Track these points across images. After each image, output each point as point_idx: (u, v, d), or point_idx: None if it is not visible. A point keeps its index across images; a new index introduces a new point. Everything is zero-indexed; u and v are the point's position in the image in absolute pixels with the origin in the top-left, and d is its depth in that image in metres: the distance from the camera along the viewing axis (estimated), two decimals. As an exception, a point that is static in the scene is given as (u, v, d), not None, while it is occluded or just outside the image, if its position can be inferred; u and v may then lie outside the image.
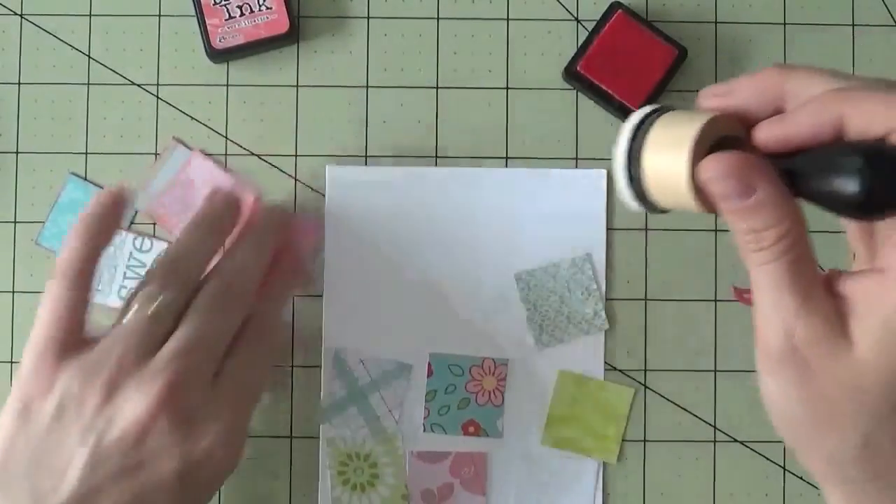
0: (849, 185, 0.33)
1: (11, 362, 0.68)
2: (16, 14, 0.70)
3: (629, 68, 0.67)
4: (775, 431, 0.39)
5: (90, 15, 0.70)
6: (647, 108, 0.40)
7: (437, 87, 0.70)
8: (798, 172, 0.36)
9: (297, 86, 0.70)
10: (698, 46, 0.70)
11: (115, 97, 0.70)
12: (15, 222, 0.69)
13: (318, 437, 0.68)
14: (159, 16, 0.70)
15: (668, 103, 0.39)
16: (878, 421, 0.35)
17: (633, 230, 0.69)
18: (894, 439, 0.35)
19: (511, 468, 0.68)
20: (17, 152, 0.69)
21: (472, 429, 0.68)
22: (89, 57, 0.70)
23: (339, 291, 0.68)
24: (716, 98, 0.39)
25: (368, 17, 0.70)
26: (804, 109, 0.36)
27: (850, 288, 0.36)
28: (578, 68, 0.68)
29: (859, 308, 0.36)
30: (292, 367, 0.68)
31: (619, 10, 0.68)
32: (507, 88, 0.70)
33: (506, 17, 0.70)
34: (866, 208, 0.34)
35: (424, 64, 0.70)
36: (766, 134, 0.37)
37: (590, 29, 0.69)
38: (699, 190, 0.37)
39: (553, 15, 0.70)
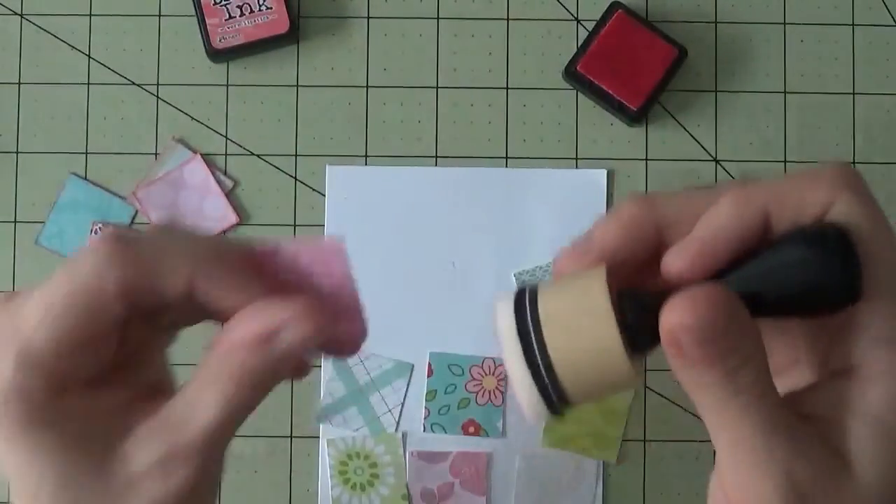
0: (821, 278, 0.28)
1: (11, 362, 0.68)
2: (16, 14, 0.70)
3: (629, 68, 0.67)
4: None
5: (90, 15, 0.70)
6: (511, 292, 0.32)
7: (437, 87, 0.70)
8: (750, 287, 0.29)
9: (297, 86, 0.70)
10: (698, 46, 0.70)
11: (115, 97, 0.70)
12: (15, 222, 0.69)
13: (318, 437, 0.68)
14: (159, 16, 0.70)
15: (527, 284, 0.32)
16: None
17: (633, 230, 0.69)
18: None
19: (511, 468, 0.68)
20: (17, 152, 0.69)
21: (472, 429, 0.68)
22: (89, 57, 0.70)
23: (339, 291, 0.68)
24: (580, 258, 0.33)
25: (368, 17, 0.70)
26: (719, 217, 0.30)
27: (819, 404, 0.31)
28: (578, 68, 0.68)
29: (844, 422, 0.30)
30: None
31: (619, 10, 0.68)
32: (507, 88, 0.70)
33: (506, 17, 0.70)
34: (844, 296, 0.29)
35: (424, 64, 0.70)
36: (684, 259, 0.30)
37: (590, 29, 0.69)
38: (630, 356, 0.30)
39: (553, 15, 0.70)
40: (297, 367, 0.36)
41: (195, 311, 0.34)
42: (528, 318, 0.31)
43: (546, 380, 0.30)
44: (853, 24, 0.70)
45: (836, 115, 0.70)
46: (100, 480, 0.32)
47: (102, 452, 0.32)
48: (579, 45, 0.69)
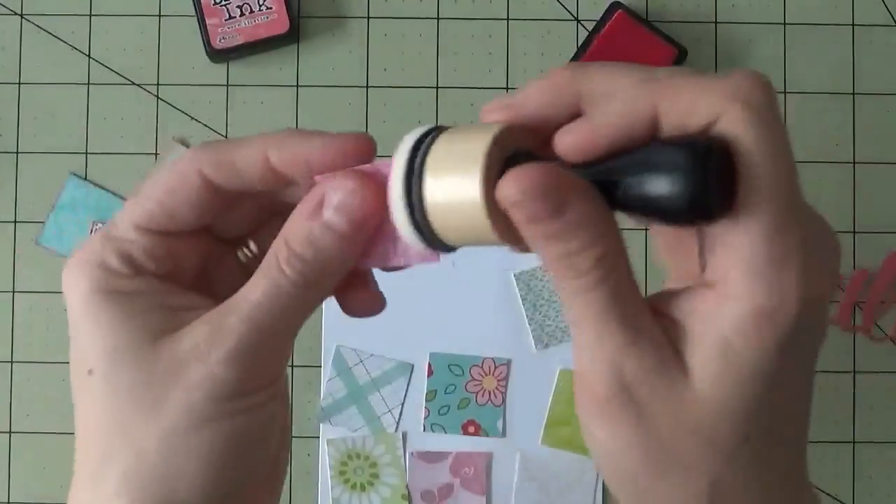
0: (671, 187, 0.28)
1: (11, 362, 0.68)
2: (16, 14, 0.70)
3: (629, 68, 0.67)
4: (609, 486, 0.34)
5: (90, 15, 0.70)
6: (421, 129, 0.32)
7: (437, 87, 0.70)
8: (611, 180, 0.30)
9: (297, 86, 0.70)
10: (698, 46, 0.70)
11: (115, 97, 0.70)
12: (15, 222, 0.69)
13: (318, 437, 0.68)
14: (159, 16, 0.70)
15: (444, 125, 0.33)
16: (726, 461, 0.30)
17: (633, 230, 0.69)
18: (746, 481, 0.31)
19: (511, 468, 0.68)
20: (17, 152, 0.69)
21: (472, 429, 0.68)
22: (89, 57, 0.70)
23: (339, 291, 0.68)
24: (502, 110, 0.33)
25: (368, 17, 0.70)
26: (611, 107, 0.31)
27: (682, 307, 0.31)
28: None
29: (692, 332, 0.30)
30: (292, 367, 0.68)
31: (620, 10, 0.68)
32: (507, 88, 0.70)
33: (506, 17, 0.70)
34: (693, 212, 0.28)
35: (424, 64, 0.70)
36: (570, 140, 0.31)
37: (590, 29, 0.69)
38: (497, 215, 0.30)
39: (553, 15, 0.70)
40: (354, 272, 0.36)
41: (270, 201, 0.37)
42: (419, 157, 0.31)
43: (418, 220, 0.31)
44: (853, 24, 0.70)
45: (835, 115, 0.70)
46: (149, 357, 0.33)
47: (159, 332, 0.34)
48: (579, 45, 0.69)
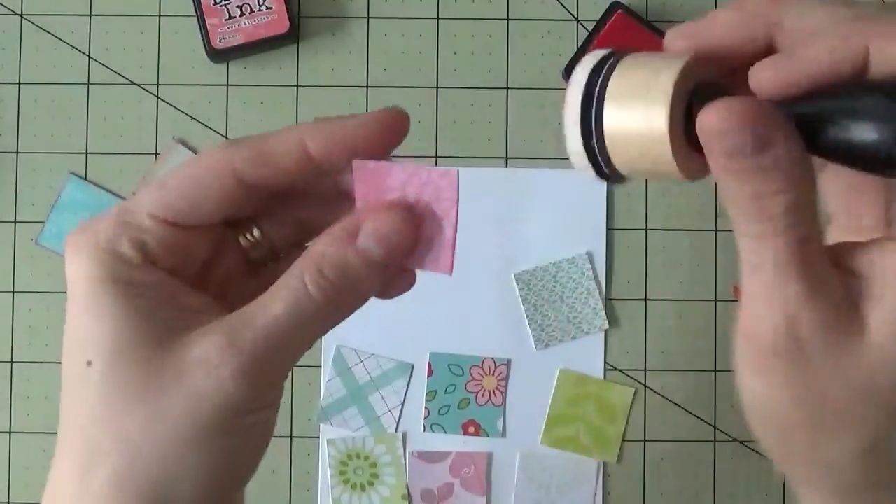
0: (880, 136, 0.27)
1: (11, 362, 0.68)
2: (16, 14, 0.70)
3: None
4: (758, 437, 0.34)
5: (90, 15, 0.70)
6: (601, 52, 0.31)
7: (437, 87, 0.70)
8: (813, 122, 0.28)
9: (297, 86, 0.70)
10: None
11: (115, 97, 0.70)
12: (15, 222, 0.69)
13: (318, 437, 0.68)
14: (159, 16, 0.70)
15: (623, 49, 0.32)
16: (891, 422, 0.29)
17: (633, 230, 0.69)
18: None
19: (511, 468, 0.68)
20: (17, 152, 0.69)
21: (472, 429, 0.68)
22: (89, 57, 0.70)
23: (339, 291, 0.68)
24: (688, 38, 0.31)
25: (368, 17, 0.70)
26: (819, 44, 0.29)
27: (865, 263, 0.29)
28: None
29: (875, 288, 0.29)
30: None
31: (619, 10, 0.68)
32: (507, 88, 0.70)
33: (506, 17, 0.70)
34: (886, 159, 0.27)
35: (424, 64, 0.70)
36: (771, 75, 0.29)
37: (590, 29, 0.69)
38: (680, 148, 0.29)
39: (553, 15, 0.70)
40: (383, 281, 0.36)
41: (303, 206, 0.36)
42: (598, 84, 0.30)
43: (595, 146, 0.30)
44: (853, 24, 0.70)
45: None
46: (155, 358, 0.32)
47: (165, 332, 0.32)
48: (579, 45, 0.69)
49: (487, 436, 0.68)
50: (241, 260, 0.37)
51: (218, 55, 0.68)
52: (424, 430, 0.68)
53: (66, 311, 0.34)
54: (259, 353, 0.32)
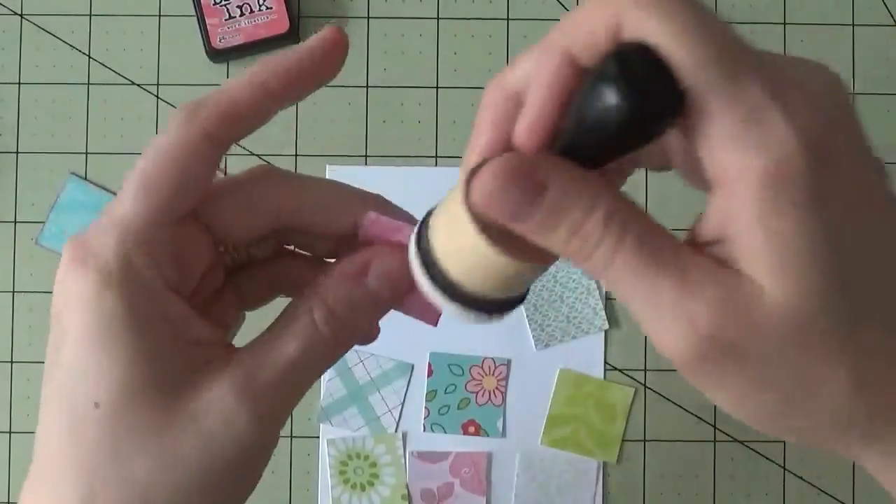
0: (611, 108, 0.26)
1: (11, 362, 0.68)
2: (16, 14, 0.70)
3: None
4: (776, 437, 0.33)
5: (90, 15, 0.70)
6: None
7: (437, 87, 0.70)
8: (571, 138, 0.28)
9: (297, 86, 0.70)
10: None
11: (115, 97, 0.70)
12: (15, 222, 0.69)
13: (318, 437, 0.68)
14: (159, 16, 0.70)
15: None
16: (851, 344, 0.27)
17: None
18: (883, 360, 0.27)
19: (511, 468, 0.68)
20: (17, 152, 0.69)
21: (472, 429, 0.68)
22: (89, 57, 0.70)
23: (339, 291, 0.68)
24: (473, 154, 0.31)
25: (368, 17, 0.70)
26: (535, 81, 0.28)
27: (710, 226, 0.27)
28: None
29: (733, 240, 0.27)
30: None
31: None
32: (507, 88, 0.70)
33: (506, 17, 0.70)
34: (639, 120, 0.26)
35: (424, 64, 0.70)
36: (521, 134, 0.29)
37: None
38: (494, 238, 0.28)
39: (553, 15, 0.70)
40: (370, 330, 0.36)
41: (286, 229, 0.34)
42: (424, 224, 0.32)
43: (446, 289, 0.30)
44: (853, 24, 0.70)
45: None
46: (168, 402, 0.31)
47: (178, 373, 0.31)
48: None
49: (487, 436, 0.68)
50: (221, 273, 0.36)
51: (218, 55, 0.68)
52: (424, 430, 0.68)
53: (57, 340, 0.31)
54: (275, 399, 0.31)
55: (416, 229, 0.32)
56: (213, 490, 0.32)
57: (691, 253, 0.27)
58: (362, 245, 0.35)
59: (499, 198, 0.27)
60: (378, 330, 0.37)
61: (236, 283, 0.36)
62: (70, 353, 0.31)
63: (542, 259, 0.29)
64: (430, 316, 0.35)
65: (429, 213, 0.32)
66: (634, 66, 0.26)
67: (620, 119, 0.26)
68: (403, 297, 0.34)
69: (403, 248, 0.33)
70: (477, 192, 0.28)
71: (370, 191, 0.36)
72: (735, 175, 0.26)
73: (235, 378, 0.31)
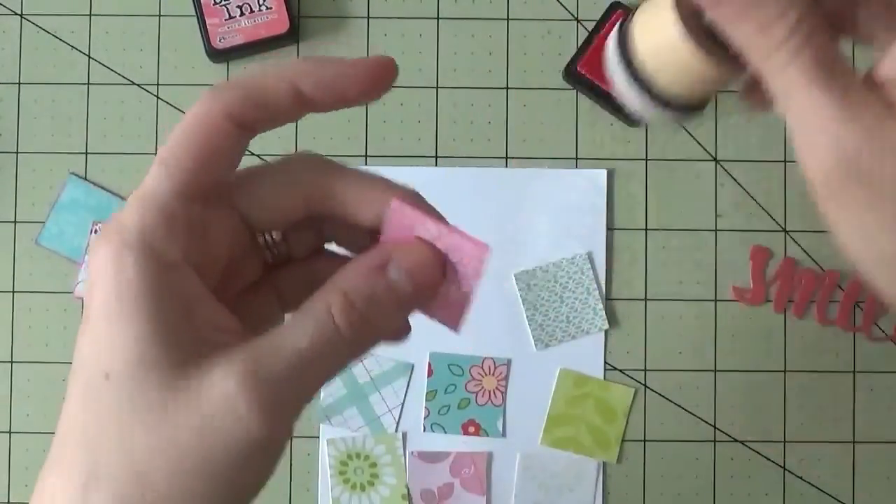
0: None
1: (11, 362, 0.68)
2: (16, 14, 0.70)
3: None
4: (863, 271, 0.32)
5: (90, 15, 0.70)
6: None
7: (437, 87, 0.70)
8: None
9: (297, 86, 0.70)
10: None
11: (115, 97, 0.70)
12: (15, 222, 0.69)
13: (318, 437, 0.68)
14: (159, 16, 0.70)
15: None
16: None
17: (634, 230, 0.69)
18: None
19: (511, 468, 0.68)
20: (17, 152, 0.69)
21: (472, 429, 0.68)
22: (89, 57, 0.70)
23: (339, 291, 0.68)
24: None
25: (368, 17, 0.70)
26: None
27: (884, 69, 0.29)
28: (578, 68, 0.68)
29: None
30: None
31: (619, 10, 0.68)
32: (507, 88, 0.70)
33: (506, 17, 0.70)
34: None
35: (424, 64, 0.70)
36: None
37: (590, 29, 0.69)
38: (696, 34, 0.32)
39: (553, 15, 0.70)
40: (397, 328, 0.34)
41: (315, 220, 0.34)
42: (624, 29, 0.34)
43: (638, 77, 0.33)
44: (853, 24, 0.70)
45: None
46: (176, 381, 0.30)
47: (189, 355, 0.30)
48: (579, 45, 0.69)
49: (487, 436, 0.68)
50: (257, 266, 0.35)
51: (218, 55, 0.68)
52: (424, 430, 0.68)
53: (84, 314, 0.31)
54: (281, 389, 0.30)
55: (617, 26, 0.34)
56: (213, 478, 0.30)
57: (861, 85, 0.29)
58: (387, 239, 0.34)
59: None
60: (409, 328, 0.35)
61: (276, 282, 0.36)
62: (90, 325, 0.31)
63: (729, 66, 0.32)
64: (455, 319, 0.34)
65: (624, 19, 0.34)
66: None
67: None
68: (428, 293, 0.33)
69: (426, 242, 0.33)
70: None
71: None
72: None
73: (239, 364, 0.30)
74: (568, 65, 0.68)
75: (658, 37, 0.33)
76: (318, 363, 0.31)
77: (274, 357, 0.30)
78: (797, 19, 0.29)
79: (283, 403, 0.31)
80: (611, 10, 0.68)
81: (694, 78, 0.32)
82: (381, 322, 0.33)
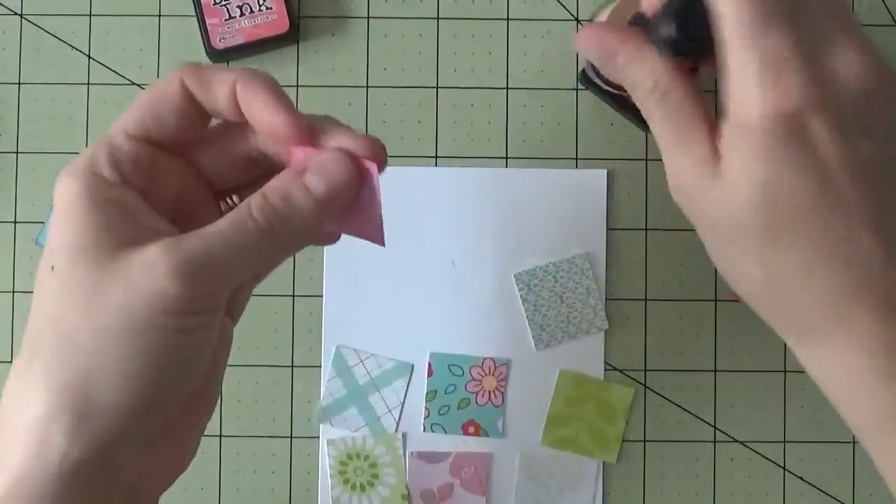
0: (666, 27, 0.38)
1: (12, 362, 0.68)
2: (16, 14, 0.70)
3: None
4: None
5: (90, 15, 0.70)
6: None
7: (437, 87, 0.70)
8: (649, 28, 0.39)
9: (297, 86, 0.70)
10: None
11: (115, 97, 0.70)
12: (15, 222, 0.69)
13: (318, 437, 0.68)
14: (159, 16, 0.70)
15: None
16: (761, 246, 0.36)
17: (633, 230, 0.69)
18: (795, 265, 0.36)
19: (511, 468, 0.68)
20: (17, 152, 0.69)
21: (472, 429, 0.68)
22: (89, 57, 0.70)
23: (339, 291, 0.68)
24: None
25: (368, 17, 0.70)
26: None
27: (720, 110, 0.38)
28: (583, 71, 0.68)
29: (722, 126, 0.37)
30: (292, 367, 0.68)
31: (620, 10, 0.67)
32: (507, 88, 0.70)
33: (506, 17, 0.70)
34: (684, 46, 0.38)
35: (424, 64, 0.70)
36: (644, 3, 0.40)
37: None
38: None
39: (553, 15, 0.70)
40: (319, 228, 0.40)
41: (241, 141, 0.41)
42: None
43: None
44: (853, 24, 0.70)
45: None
46: (105, 260, 0.35)
47: (124, 241, 0.36)
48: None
49: (487, 436, 0.68)
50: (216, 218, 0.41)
51: (218, 55, 0.68)
52: (424, 430, 0.68)
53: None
54: (196, 258, 0.35)
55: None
56: (133, 340, 0.35)
57: (698, 126, 0.37)
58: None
59: (591, 50, 0.39)
60: (334, 235, 0.41)
61: None
62: (47, 235, 0.37)
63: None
64: (376, 234, 0.39)
65: None
66: (682, 7, 0.38)
67: (669, 38, 0.38)
68: (339, 195, 0.38)
69: (340, 150, 0.38)
70: (575, 44, 0.40)
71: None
72: (734, 66, 0.36)
73: (165, 242, 0.35)
74: (583, 70, 0.68)
75: None
76: (233, 246, 0.36)
77: (195, 237, 0.36)
78: (653, 83, 0.38)
79: (199, 273, 0.35)
80: (611, 10, 0.68)
81: None
82: (295, 217, 0.37)
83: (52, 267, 0.36)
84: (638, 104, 0.39)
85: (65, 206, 0.36)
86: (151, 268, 0.35)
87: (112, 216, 0.36)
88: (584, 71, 0.68)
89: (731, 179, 0.35)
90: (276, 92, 0.39)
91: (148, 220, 0.37)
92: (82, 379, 0.35)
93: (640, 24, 0.40)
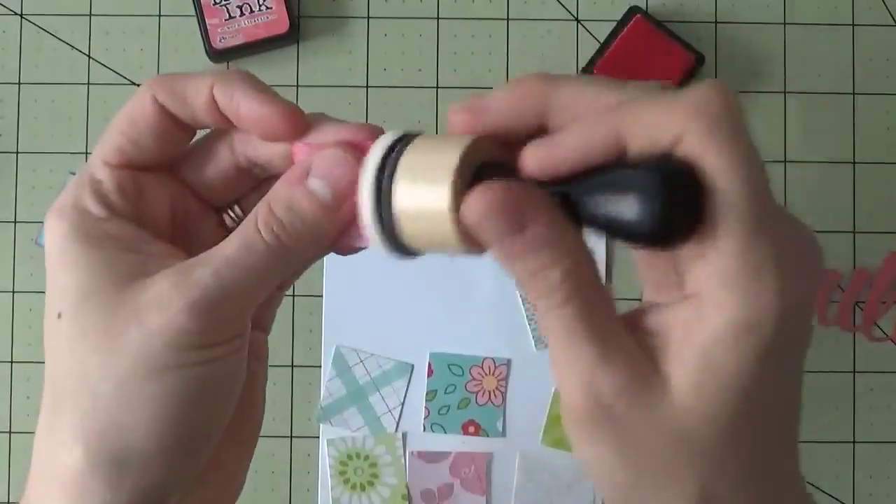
0: (633, 211, 0.28)
1: (11, 362, 0.68)
2: (16, 14, 0.70)
3: (645, 73, 0.67)
4: (603, 498, 0.34)
5: (90, 15, 0.70)
6: (391, 136, 0.33)
7: (437, 87, 0.70)
8: (577, 200, 0.30)
9: (297, 86, 0.70)
10: (716, 50, 0.70)
11: (115, 97, 0.70)
12: (15, 222, 0.69)
13: (318, 437, 0.68)
14: (159, 16, 0.70)
15: (415, 130, 0.34)
16: (713, 468, 0.30)
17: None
18: (735, 486, 0.30)
19: (511, 468, 0.68)
20: (17, 152, 0.69)
21: (472, 429, 0.68)
22: (89, 57, 0.70)
23: (339, 291, 0.68)
24: (467, 114, 0.33)
25: (368, 17, 0.70)
26: (574, 128, 0.31)
27: (661, 321, 0.31)
28: (595, 72, 0.68)
29: (671, 344, 0.30)
30: (292, 367, 0.68)
31: (638, 15, 0.67)
32: (507, 88, 0.70)
33: (506, 17, 0.70)
34: (656, 236, 0.28)
35: (424, 64, 0.70)
36: (534, 159, 0.31)
37: (590, 29, 0.69)
38: (464, 227, 0.30)
39: (553, 15, 0.70)
40: (330, 236, 0.36)
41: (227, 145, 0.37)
42: (389, 165, 0.32)
43: (386, 224, 0.32)
44: (853, 24, 0.70)
45: (835, 115, 0.70)
46: (114, 301, 0.33)
47: (127, 277, 0.34)
48: (597, 49, 0.69)
49: (487, 436, 0.68)
50: (227, 231, 0.38)
51: (218, 55, 0.68)
52: (424, 430, 0.68)
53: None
54: (210, 289, 0.33)
55: (375, 170, 0.32)
56: (159, 382, 0.33)
57: (621, 330, 0.30)
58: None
59: (489, 221, 0.29)
60: (348, 245, 0.37)
61: None
62: (46, 278, 0.35)
63: (480, 250, 0.31)
64: (364, 239, 0.35)
65: (385, 157, 0.32)
66: (670, 186, 0.28)
67: (636, 227, 0.28)
68: (345, 193, 0.34)
69: (339, 143, 0.35)
70: (472, 207, 0.30)
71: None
72: (712, 303, 0.29)
73: (174, 272, 0.33)
74: (584, 68, 0.68)
75: (425, 213, 0.31)
76: (242, 268, 0.33)
77: (204, 264, 0.33)
78: (564, 273, 0.29)
79: (213, 302, 0.33)
80: (629, 14, 0.67)
81: (443, 247, 0.32)
82: (302, 228, 0.34)
83: (59, 314, 0.34)
84: (534, 293, 0.30)
85: (59, 249, 0.34)
86: (166, 305, 0.32)
87: (110, 252, 0.34)
88: (584, 71, 0.68)
89: (684, 389, 0.29)
90: (257, 84, 0.35)
91: (147, 247, 0.35)
92: (115, 428, 0.33)
93: (555, 191, 0.30)
